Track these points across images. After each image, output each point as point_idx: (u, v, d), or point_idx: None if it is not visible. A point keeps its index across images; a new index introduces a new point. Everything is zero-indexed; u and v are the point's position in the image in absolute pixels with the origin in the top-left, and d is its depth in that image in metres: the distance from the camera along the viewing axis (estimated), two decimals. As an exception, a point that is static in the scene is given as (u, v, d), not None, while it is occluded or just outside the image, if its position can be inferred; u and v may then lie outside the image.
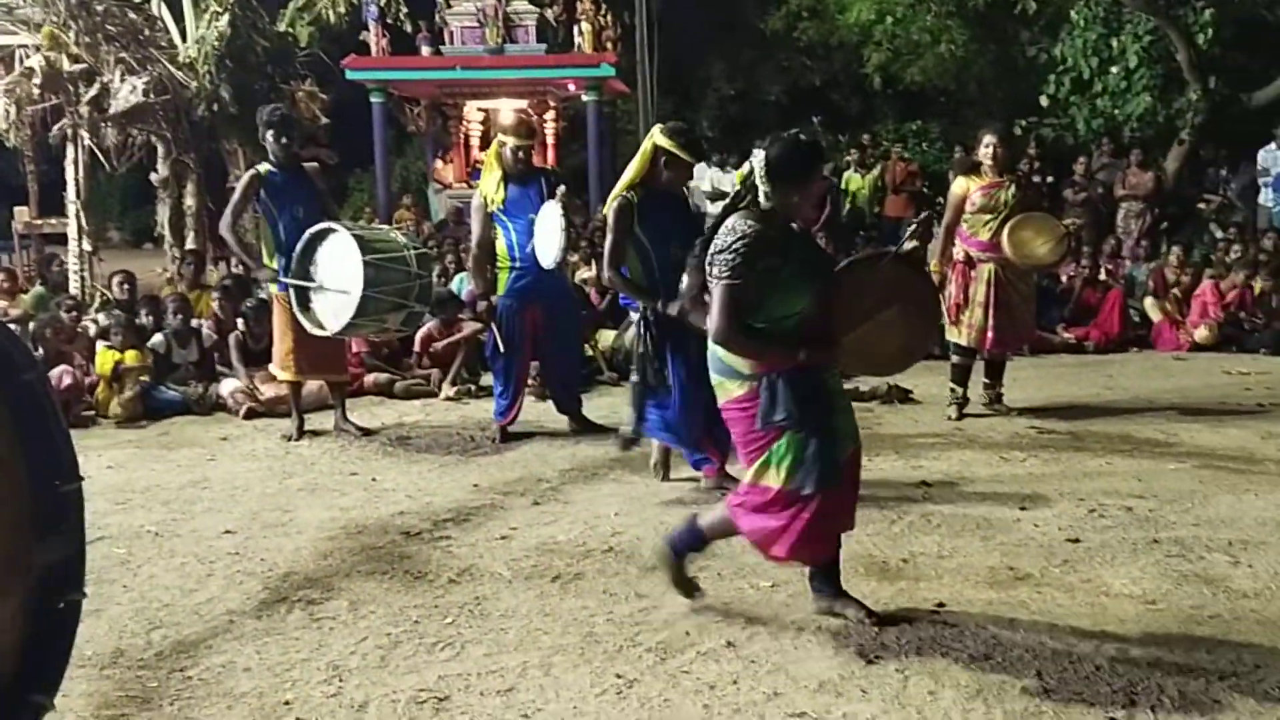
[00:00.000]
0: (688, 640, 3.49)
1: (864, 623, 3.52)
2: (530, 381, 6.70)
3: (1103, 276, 9.79)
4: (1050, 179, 12.12)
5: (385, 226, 7.71)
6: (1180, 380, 7.92)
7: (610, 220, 4.85)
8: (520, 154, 5.99)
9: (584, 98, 15.26)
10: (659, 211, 4.85)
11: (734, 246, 3.25)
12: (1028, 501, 4.82)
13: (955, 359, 6.59)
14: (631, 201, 4.83)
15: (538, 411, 6.71)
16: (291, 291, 5.95)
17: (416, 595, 3.91)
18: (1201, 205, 12.88)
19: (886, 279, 3.49)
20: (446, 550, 4.40)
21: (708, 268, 3.34)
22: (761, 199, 3.33)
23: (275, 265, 6.10)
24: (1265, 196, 12.26)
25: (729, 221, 3.34)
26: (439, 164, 15.98)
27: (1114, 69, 12.98)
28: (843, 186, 13.27)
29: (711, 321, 3.28)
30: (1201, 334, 9.20)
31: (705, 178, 14.06)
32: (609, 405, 7.15)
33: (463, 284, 9.59)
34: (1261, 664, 3.25)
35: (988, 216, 6.18)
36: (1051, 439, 6.07)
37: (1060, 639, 3.44)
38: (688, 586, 3.72)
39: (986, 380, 6.70)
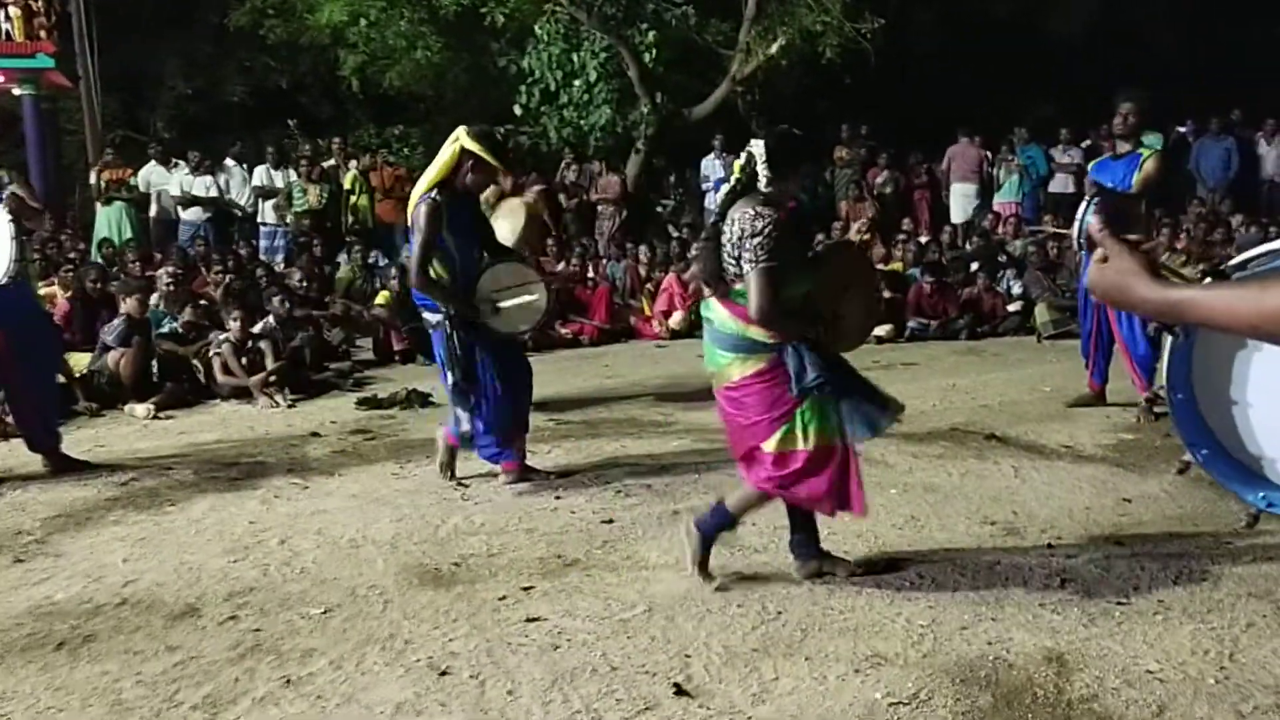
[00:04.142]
0: (239, 687, 3.13)
1: (855, 574, 3.79)
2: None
3: (591, 275, 10.50)
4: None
5: None
6: (665, 366, 8.71)
7: (421, 222, 4.69)
8: None
9: (16, 92, 13.35)
10: (462, 214, 4.83)
11: (764, 231, 3.41)
12: (561, 490, 4.99)
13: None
14: (440, 203, 4.67)
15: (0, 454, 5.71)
16: None
17: None
18: (660, 209, 14.32)
19: (849, 262, 3.83)
20: (-97, 635, 3.57)
21: (731, 255, 3.48)
22: (763, 185, 3.52)
23: None
24: (710, 200, 13.92)
25: (743, 209, 3.49)
26: None
27: (577, 82, 13.96)
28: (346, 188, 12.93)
29: (753, 304, 3.42)
30: (676, 321, 10.22)
31: (174, 182, 12.93)
32: (92, 438, 6.29)
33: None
34: (782, 610, 3.60)
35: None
36: (570, 429, 6.35)
37: (615, 616, 3.57)
38: (709, 571, 3.76)
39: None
